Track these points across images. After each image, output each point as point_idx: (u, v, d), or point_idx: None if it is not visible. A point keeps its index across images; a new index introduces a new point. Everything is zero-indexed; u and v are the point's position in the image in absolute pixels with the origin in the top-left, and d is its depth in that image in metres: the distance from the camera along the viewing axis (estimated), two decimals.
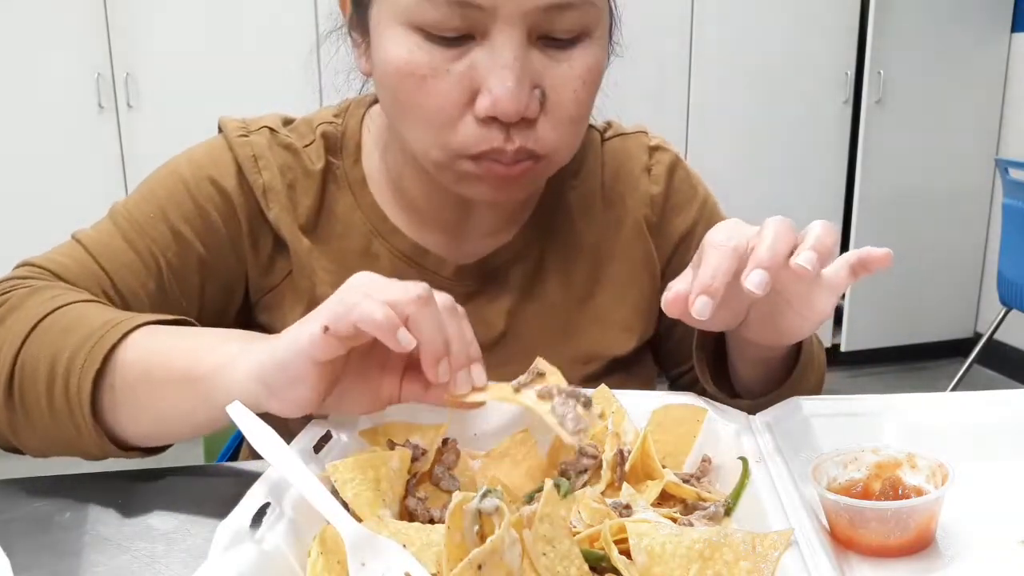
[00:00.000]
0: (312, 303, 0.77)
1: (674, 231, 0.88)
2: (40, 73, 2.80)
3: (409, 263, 0.81)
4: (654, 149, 0.89)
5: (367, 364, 0.61)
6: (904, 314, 3.49)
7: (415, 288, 0.56)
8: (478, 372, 0.60)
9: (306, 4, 2.84)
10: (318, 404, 0.58)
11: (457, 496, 0.45)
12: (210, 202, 0.78)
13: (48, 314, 0.66)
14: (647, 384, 0.91)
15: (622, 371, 0.86)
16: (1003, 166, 2.77)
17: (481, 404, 0.61)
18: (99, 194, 2.87)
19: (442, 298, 0.59)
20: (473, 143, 0.68)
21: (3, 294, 0.70)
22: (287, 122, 0.84)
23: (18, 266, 0.75)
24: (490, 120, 0.67)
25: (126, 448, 0.66)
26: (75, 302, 0.68)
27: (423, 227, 0.82)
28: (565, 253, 0.85)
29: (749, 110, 3.26)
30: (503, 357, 0.82)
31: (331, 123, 0.83)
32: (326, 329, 0.54)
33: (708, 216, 0.88)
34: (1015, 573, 0.54)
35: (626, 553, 0.49)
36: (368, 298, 0.55)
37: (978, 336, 3.21)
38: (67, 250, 0.76)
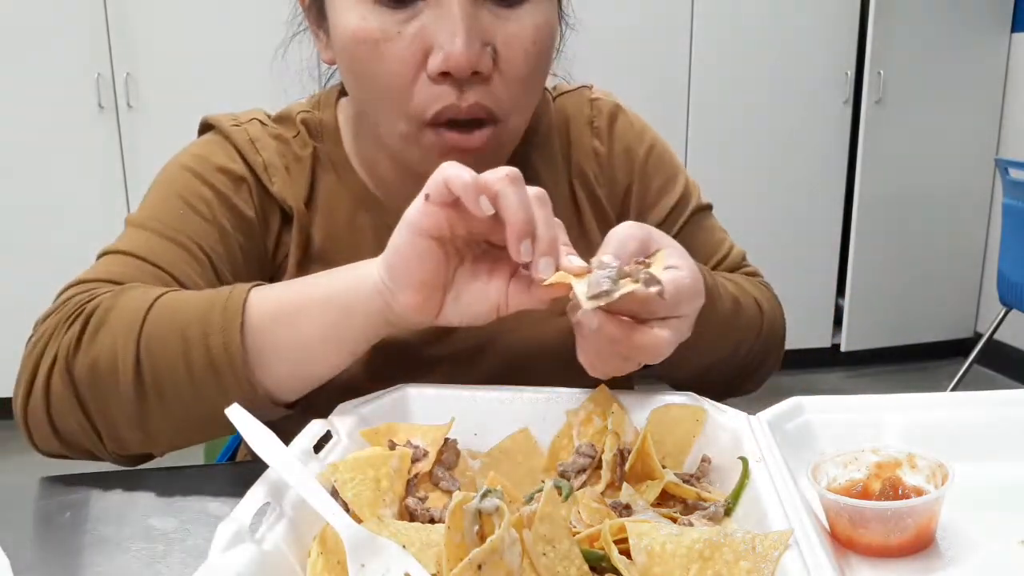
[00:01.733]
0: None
1: (621, 182, 0.88)
2: (40, 73, 2.80)
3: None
4: (594, 100, 0.89)
5: (477, 269, 0.63)
6: (904, 314, 3.49)
7: (505, 168, 0.57)
8: (567, 257, 0.59)
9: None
10: (437, 297, 0.61)
11: (457, 496, 0.45)
12: (228, 188, 0.79)
13: (153, 303, 0.65)
14: None
15: None
16: (1003, 166, 2.77)
17: (566, 289, 0.59)
18: (99, 194, 2.87)
19: (533, 188, 0.59)
20: (429, 103, 0.70)
21: (85, 304, 0.67)
22: (269, 118, 0.86)
23: (63, 291, 0.72)
24: (442, 78, 0.69)
25: (268, 400, 0.65)
26: (169, 292, 0.67)
27: (402, 203, 0.82)
28: None
29: (749, 110, 3.26)
30: (487, 327, 0.82)
31: (308, 112, 0.85)
32: (427, 197, 0.58)
33: (655, 160, 0.88)
34: (1015, 573, 0.54)
35: (626, 553, 0.49)
36: (459, 166, 0.57)
37: (978, 336, 3.21)
38: (109, 262, 0.74)
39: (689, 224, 0.88)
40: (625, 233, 0.63)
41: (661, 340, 0.60)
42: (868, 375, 3.51)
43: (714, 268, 0.87)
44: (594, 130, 0.88)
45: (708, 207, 0.92)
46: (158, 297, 0.66)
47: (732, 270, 0.89)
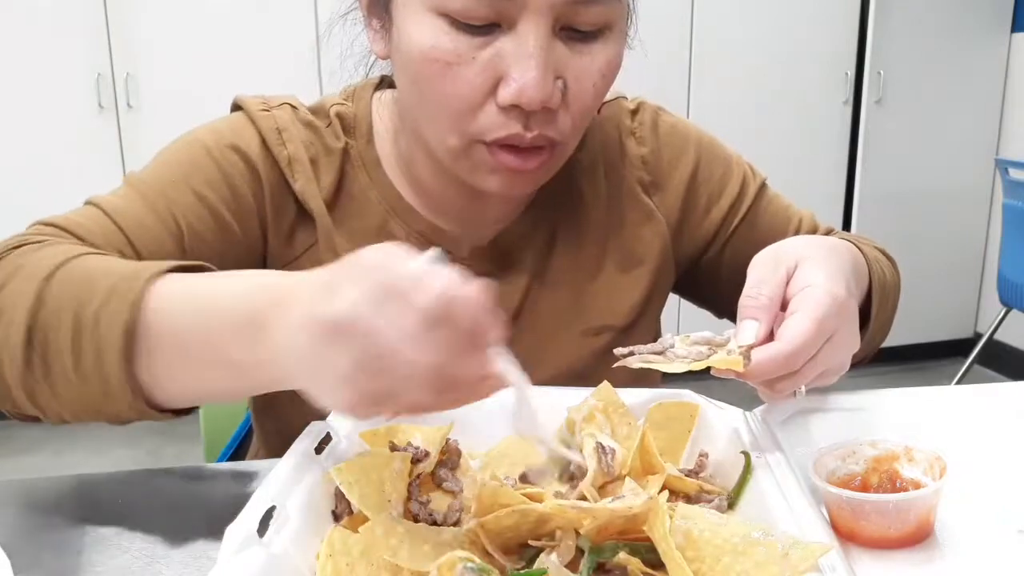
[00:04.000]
0: None
1: (677, 183, 0.88)
2: (40, 73, 2.80)
3: (426, 243, 0.81)
4: (634, 112, 0.89)
5: None
6: (904, 314, 3.47)
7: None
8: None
9: (306, 4, 2.84)
10: None
11: (443, 558, 0.47)
12: (234, 168, 0.78)
13: (61, 265, 0.60)
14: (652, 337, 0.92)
15: (630, 340, 0.86)
16: (1003, 166, 2.77)
17: None
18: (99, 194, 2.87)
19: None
20: (492, 129, 0.69)
21: (12, 249, 0.65)
22: (303, 105, 0.84)
23: (32, 225, 0.71)
24: (511, 109, 0.68)
25: (156, 407, 0.59)
26: (89, 254, 0.63)
27: (435, 210, 0.83)
28: (574, 230, 0.86)
29: (749, 110, 3.26)
30: (516, 336, 0.82)
31: (343, 104, 0.84)
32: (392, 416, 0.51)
33: (707, 154, 0.89)
34: (1013, 562, 0.55)
35: (638, 551, 0.49)
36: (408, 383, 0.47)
37: (978, 336, 3.21)
38: (83, 211, 0.73)
39: (755, 207, 0.89)
40: (754, 279, 0.63)
41: (777, 394, 0.62)
42: (868, 375, 3.49)
43: None
44: (638, 140, 0.88)
45: (764, 183, 0.91)
46: (74, 257, 0.61)
47: None
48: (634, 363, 0.61)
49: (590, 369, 0.82)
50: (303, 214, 0.80)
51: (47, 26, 2.77)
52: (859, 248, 0.77)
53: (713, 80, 3.23)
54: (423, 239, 0.81)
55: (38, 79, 2.80)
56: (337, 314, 0.45)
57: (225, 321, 0.53)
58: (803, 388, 0.63)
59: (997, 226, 3.13)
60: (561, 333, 0.84)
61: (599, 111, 0.89)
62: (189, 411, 0.62)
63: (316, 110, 0.83)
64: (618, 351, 0.62)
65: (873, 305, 0.76)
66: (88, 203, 0.74)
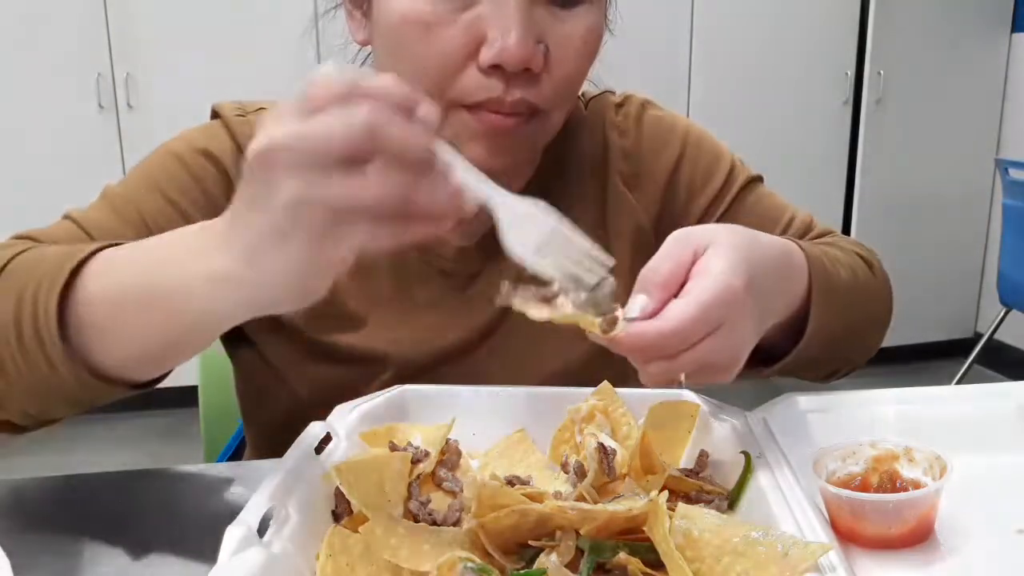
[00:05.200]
0: None
1: (659, 174, 0.87)
2: (40, 73, 2.80)
3: (411, 245, 0.80)
4: (620, 105, 0.89)
5: None
6: (904, 314, 3.47)
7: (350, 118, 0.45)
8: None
9: (306, 4, 2.84)
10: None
11: (443, 558, 0.46)
12: (207, 174, 0.78)
13: (12, 259, 0.61)
14: None
15: None
16: (1003, 166, 2.77)
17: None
18: (99, 194, 2.87)
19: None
20: (473, 92, 0.69)
21: None
22: None
23: (8, 239, 0.71)
24: (492, 70, 0.68)
25: (109, 380, 0.58)
26: (41, 246, 0.64)
27: None
28: None
29: (749, 110, 3.26)
30: (504, 337, 0.82)
31: None
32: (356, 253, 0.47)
33: (693, 146, 0.87)
34: (1014, 561, 0.55)
35: (638, 552, 0.49)
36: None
37: (978, 336, 3.21)
38: (58, 225, 0.75)
39: (739, 200, 0.87)
40: (660, 253, 0.59)
41: (651, 378, 0.58)
42: (868, 375, 3.48)
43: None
44: (621, 132, 0.87)
45: (758, 179, 0.90)
46: (24, 250, 0.62)
47: (801, 237, 0.86)
48: (514, 302, 0.56)
49: (581, 372, 0.79)
50: None
51: (47, 26, 2.77)
52: (803, 248, 0.72)
53: (713, 80, 3.23)
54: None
55: (38, 79, 2.80)
56: (259, 146, 0.45)
57: (158, 258, 0.54)
58: (683, 378, 0.58)
59: (997, 226, 3.13)
60: (551, 333, 0.83)
61: (585, 106, 0.88)
62: (143, 386, 0.60)
63: None
64: (503, 287, 0.56)
65: (812, 306, 0.70)
66: (64, 217, 0.76)
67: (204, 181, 0.77)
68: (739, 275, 0.57)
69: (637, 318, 0.55)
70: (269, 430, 0.87)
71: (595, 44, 0.74)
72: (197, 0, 2.84)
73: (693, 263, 0.58)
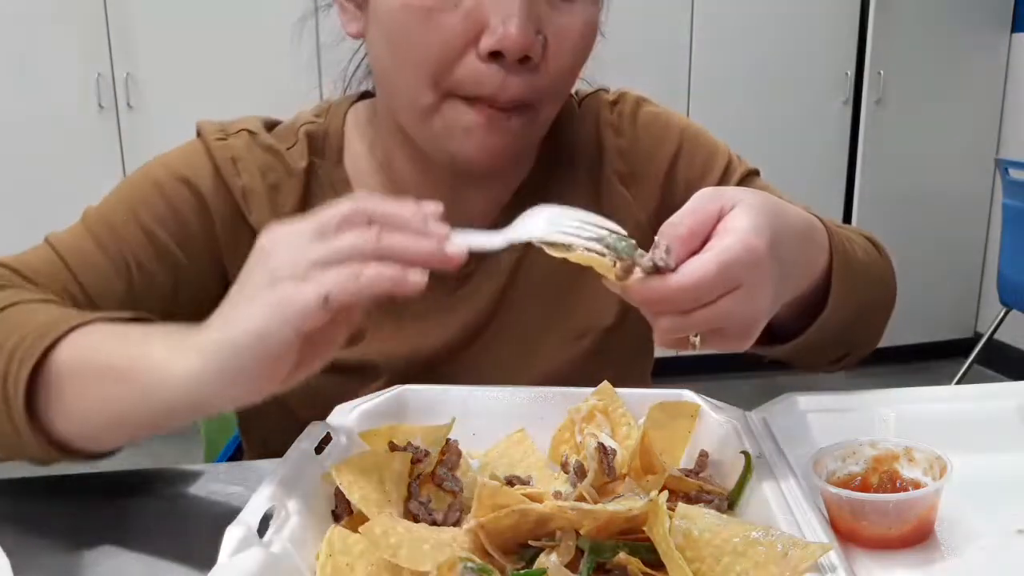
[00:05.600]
0: None
1: (656, 172, 0.86)
2: (40, 73, 2.80)
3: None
4: (614, 103, 0.88)
5: None
6: (904, 314, 3.47)
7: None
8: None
9: (307, 4, 2.84)
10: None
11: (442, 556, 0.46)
12: (184, 203, 0.77)
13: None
14: (643, 345, 0.90)
15: (616, 340, 0.85)
16: (1003, 166, 2.77)
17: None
18: (99, 194, 2.86)
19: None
20: (471, 81, 0.69)
21: None
22: (270, 125, 0.83)
23: None
24: (492, 58, 0.68)
25: (69, 451, 0.61)
26: (27, 301, 0.66)
27: None
28: None
29: (749, 110, 3.26)
30: (494, 339, 0.82)
31: (313, 123, 0.83)
32: (326, 300, 0.49)
33: (690, 142, 0.87)
34: (1014, 561, 0.55)
35: (638, 551, 0.49)
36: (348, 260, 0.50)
37: (978, 336, 3.21)
38: (37, 250, 0.76)
39: None
40: (686, 207, 0.57)
41: (663, 333, 0.56)
42: (868, 375, 3.48)
43: None
44: (616, 131, 0.87)
45: (755, 172, 0.89)
46: (10, 305, 0.65)
47: None
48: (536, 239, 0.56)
49: (576, 373, 0.78)
50: None
51: (47, 26, 2.77)
52: (825, 224, 0.71)
53: (713, 80, 3.23)
54: None
55: (38, 79, 2.80)
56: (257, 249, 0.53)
57: (103, 374, 0.57)
58: (697, 341, 0.56)
59: (997, 226, 3.13)
60: (543, 337, 0.82)
61: (579, 104, 0.88)
62: (104, 455, 0.64)
63: (281, 132, 0.82)
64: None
65: (833, 282, 0.69)
66: (45, 240, 0.77)
67: (182, 213, 0.77)
68: (762, 237, 0.55)
69: (655, 269, 0.54)
70: (264, 446, 0.87)
71: (591, 39, 0.74)
72: (197, 0, 2.84)
73: (718, 221, 0.56)
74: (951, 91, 3.40)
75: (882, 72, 3.28)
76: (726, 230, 0.55)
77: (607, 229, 0.56)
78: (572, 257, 0.54)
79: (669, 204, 0.85)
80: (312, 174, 0.81)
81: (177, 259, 0.77)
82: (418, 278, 0.51)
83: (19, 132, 2.81)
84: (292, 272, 0.50)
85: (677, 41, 3.20)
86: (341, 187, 0.81)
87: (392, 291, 0.50)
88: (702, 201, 0.57)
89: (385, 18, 0.71)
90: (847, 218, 3.43)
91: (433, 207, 0.54)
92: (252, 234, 0.78)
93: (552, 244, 0.55)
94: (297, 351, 0.51)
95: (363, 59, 0.87)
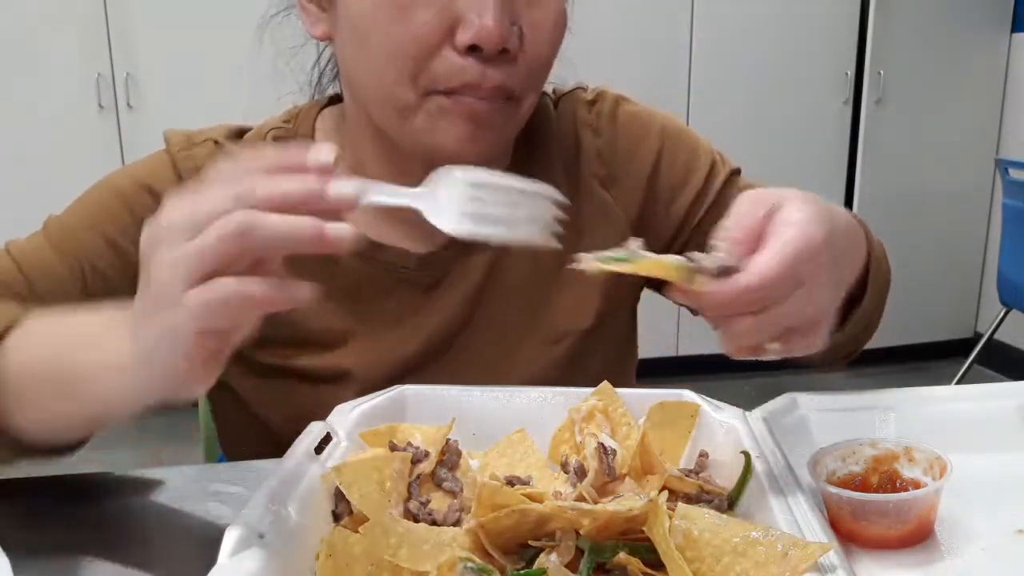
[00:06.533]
0: None
1: (637, 174, 0.85)
2: (40, 73, 2.80)
3: (368, 260, 0.79)
4: (592, 103, 0.87)
5: None
6: (904, 314, 3.48)
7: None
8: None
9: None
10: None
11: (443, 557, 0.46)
12: (147, 211, 0.74)
13: None
14: (624, 347, 0.90)
15: (595, 343, 0.84)
16: (1003, 166, 2.77)
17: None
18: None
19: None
20: (449, 76, 0.68)
21: None
22: (238, 133, 0.83)
23: None
24: (469, 52, 0.68)
25: (29, 446, 0.63)
26: None
27: (384, 218, 0.80)
28: None
29: (749, 110, 3.26)
30: (470, 342, 0.81)
31: (281, 128, 0.83)
32: (202, 332, 0.48)
33: (672, 142, 0.85)
34: (1014, 561, 0.55)
35: (638, 552, 0.49)
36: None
37: (978, 336, 3.21)
38: None
39: (723, 196, 0.84)
40: (732, 214, 0.56)
41: (737, 338, 0.55)
42: (868, 375, 3.48)
43: None
44: (594, 131, 0.85)
45: (738, 171, 0.88)
46: None
47: None
48: (592, 263, 0.54)
49: (553, 379, 0.76)
50: None
51: (47, 26, 2.77)
52: (861, 223, 0.72)
53: (713, 80, 3.23)
54: (365, 258, 0.78)
55: (38, 79, 2.80)
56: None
57: (74, 339, 0.58)
58: (775, 347, 0.55)
59: (997, 226, 3.13)
60: (519, 342, 0.81)
61: (555, 105, 0.87)
62: (63, 452, 0.66)
63: (251, 138, 0.82)
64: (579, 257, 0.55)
65: (869, 280, 0.70)
66: (4, 248, 0.78)
67: (144, 218, 0.77)
68: (819, 227, 0.54)
69: (723, 271, 0.53)
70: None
71: (563, 29, 0.74)
72: (197, 1, 2.84)
73: (767, 221, 0.56)
74: (951, 91, 3.40)
75: (882, 72, 3.28)
76: (784, 223, 0.55)
77: (523, 193, 0.56)
78: (638, 269, 0.53)
79: (653, 207, 0.85)
80: None
81: (137, 266, 0.76)
82: (302, 292, 0.49)
83: (19, 132, 2.81)
84: (168, 294, 0.48)
85: (677, 41, 3.20)
86: None
87: (274, 300, 0.48)
88: (750, 205, 0.57)
89: (355, 17, 0.70)
90: None
91: (317, 150, 0.49)
92: None
93: (616, 260, 0.54)
94: (203, 351, 0.49)
95: (329, 61, 0.87)
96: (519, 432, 0.67)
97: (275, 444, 0.62)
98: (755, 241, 0.55)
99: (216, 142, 0.80)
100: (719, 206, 0.84)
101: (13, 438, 0.62)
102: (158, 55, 2.85)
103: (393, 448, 0.61)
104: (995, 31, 3.43)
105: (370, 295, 0.79)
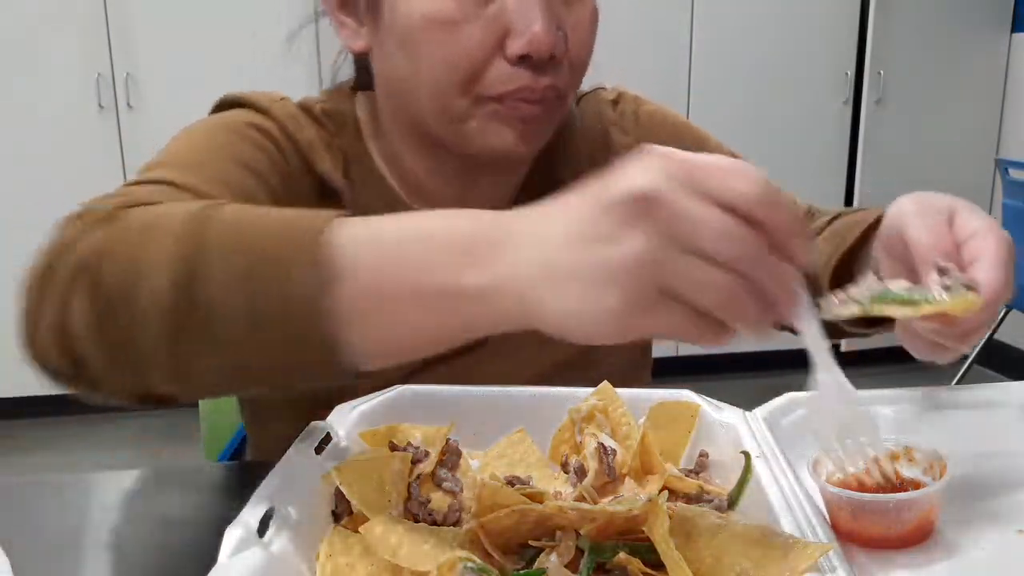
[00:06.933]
0: None
1: None
2: (40, 73, 2.80)
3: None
4: (615, 102, 0.91)
5: None
6: None
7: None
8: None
9: (307, 4, 2.84)
10: None
11: (443, 557, 0.46)
12: (264, 147, 0.74)
13: (206, 208, 0.52)
14: (639, 350, 0.91)
15: (610, 345, 0.84)
16: (1003, 166, 2.77)
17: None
18: (99, 194, 2.87)
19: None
20: (503, 83, 0.71)
21: (127, 206, 0.55)
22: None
23: (114, 197, 0.60)
24: (520, 60, 0.70)
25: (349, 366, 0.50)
26: (223, 203, 0.54)
27: (424, 203, 0.82)
28: None
29: (749, 110, 3.26)
30: (487, 341, 0.81)
31: (326, 102, 0.83)
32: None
33: (689, 140, 0.90)
34: (1013, 562, 0.55)
35: (638, 551, 0.49)
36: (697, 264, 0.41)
37: None
38: (139, 191, 0.62)
39: None
40: (926, 250, 0.58)
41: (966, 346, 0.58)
42: (868, 375, 3.49)
43: None
44: (623, 130, 0.89)
45: None
46: (212, 204, 0.53)
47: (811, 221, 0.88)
48: (847, 309, 0.54)
49: (566, 380, 0.74)
50: (322, 199, 0.78)
51: (47, 26, 2.78)
52: None
53: (713, 80, 3.23)
54: None
55: (38, 79, 2.80)
56: (631, 187, 0.40)
57: (440, 243, 0.46)
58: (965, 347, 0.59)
59: None
60: (534, 342, 0.82)
61: (577, 102, 0.89)
62: (369, 374, 0.52)
63: (303, 107, 0.82)
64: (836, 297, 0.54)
65: None
66: (143, 182, 0.64)
67: (269, 152, 0.74)
68: (1003, 232, 0.58)
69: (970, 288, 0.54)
70: (270, 443, 0.86)
71: (597, 24, 0.76)
72: (197, 1, 2.84)
73: (951, 231, 0.59)
74: (951, 91, 3.40)
75: (882, 72, 3.28)
76: (981, 235, 0.58)
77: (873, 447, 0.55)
78: (926, 311, 0.54)
79: None
80: (340, 148, 0.81)
81: (278, 194, 0.73)
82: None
83: (19, 132, 2.81)
84: (641, 285, 0.41)
85: (677, 41, 3.20)
86: (366, 160, 0.81)
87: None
88: (931, 219, 0.60)
89: (405, 33, 0.71)
90: None
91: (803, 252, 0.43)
92: (319, 184, 0.78)
93: (906, 302, 0.54)
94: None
95: (345, 56, 0.87)
96: (519, 432, 0.67)
97: (297, 423, 0.62)
98: (954, 253, 0.58)
99: (287, 99, 0.80)
100: None
101: (350, 363, 0.49)
102: (158, 55, 2.85)
103: (393, 448, 0.61)
104: (995, 31, 3.43)
105: None
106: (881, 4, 3.21)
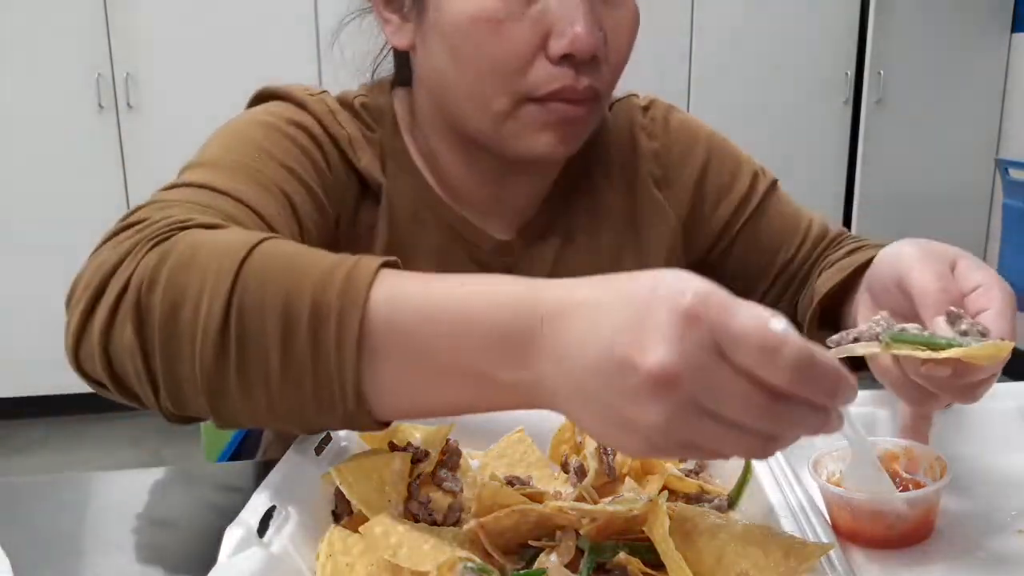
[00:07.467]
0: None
1: (687, 179, 0.89)
2: (40, 73, 2.80)
3: (453, 234, 0.82)
4: (646, 108, 0.92)
5: None
6: None
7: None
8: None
9: (307, 5, 2.84)
10: None
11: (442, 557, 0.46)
12: (305, 145, 0.74)
13: (254, 247, 0.51)
14: None
15: None
16: (1003, 166, 2.77)
17: None
18: (99, 194, 2.87)
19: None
20: (545, 83, 0.71)
21: (175, 228, 0.55)
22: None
23: (136, 210, 0.60)
24: (562, 60, 0.71)
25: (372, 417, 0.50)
26: (272, 238, 0.54)
27: (459, 201, 0.83)
28: (591, 223, 0.87)
29: (749, 110, 3.26)
30: None
31: (365, 97, 0.83)
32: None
33: (718, 152, 0.91)
34: (1014, 561, 0.55)
35: (639, 551, 0.49)
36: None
37: None
38: (184, 193, 0.63)
39: (763, 205, 0.89)
40: (934, 295, 0.57)
41: (977, 397, 0.56)
42: (868, 375, 3.49)
43: (800, 243, 0.89)
44: (650, 135, 0.90)
45: (775, 183, 0.92)
46: (261, 241, 0.52)
47: (819, 241, 0.89)
48: (869, 348, 0.54)
49: None
50: (363, 193, 0.79)
51: (47, 26, 2.78)
52: None
53: (713, 80, 3.23)
54: (451, 231, 0.82)
55: (38, 79, 2.80)
56: (654, 367, 0.38)
57: (479, 330, 0.45)
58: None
59: (997, 226, 3.13)
60: None
61: (610, 107, 0.90)
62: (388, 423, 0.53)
63: (341, 102, 0.82)
64: (839, 338, 0.55)
65: None
66: (172, 187, 0.64)
67: (308, 151, 0.74)
68: (1003, 281, 0.59)
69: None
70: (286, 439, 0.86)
71: (638, 27, 0.77)
72: (197, 0, 2.84)
73: (954, 278, 0.60)
74: (951, 91, 3.40)
75: (882, 72, 3.28)
76: (986, 286, 0.59)
77: None
78: (949, 354, 0.52)
79: (699, 212, 0.90)
80: (377, 143, 0.81)
81: (318, 196, 0.73)
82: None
83: (19, 132, 2.81)
84: (690, 437, 0.40)
85: (677, 41, 3.20)
86: (401, 155, 0.82)
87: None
88: (937, 265, 0.60)
89: (451, 32, 0.72)
90: (847, 218, 3.43)
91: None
92: (359, 179, 0.79)
93: (928, 344, 0.53)
94: None
95: (386, 52, 0.87)
96: (519, 432, 0.67)
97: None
98: (959, 302, 0.58)
99: (327, 94, 0.80)
100: (759, 214, 0.89)
101: (374, 420, 0.50)
102: (158, 55, 2.85)
103: (393, 448, 0.61)
104: (995, 31, 3.43)
105: (444, 266, 0.80)
106: (881, 4, 3.21)
